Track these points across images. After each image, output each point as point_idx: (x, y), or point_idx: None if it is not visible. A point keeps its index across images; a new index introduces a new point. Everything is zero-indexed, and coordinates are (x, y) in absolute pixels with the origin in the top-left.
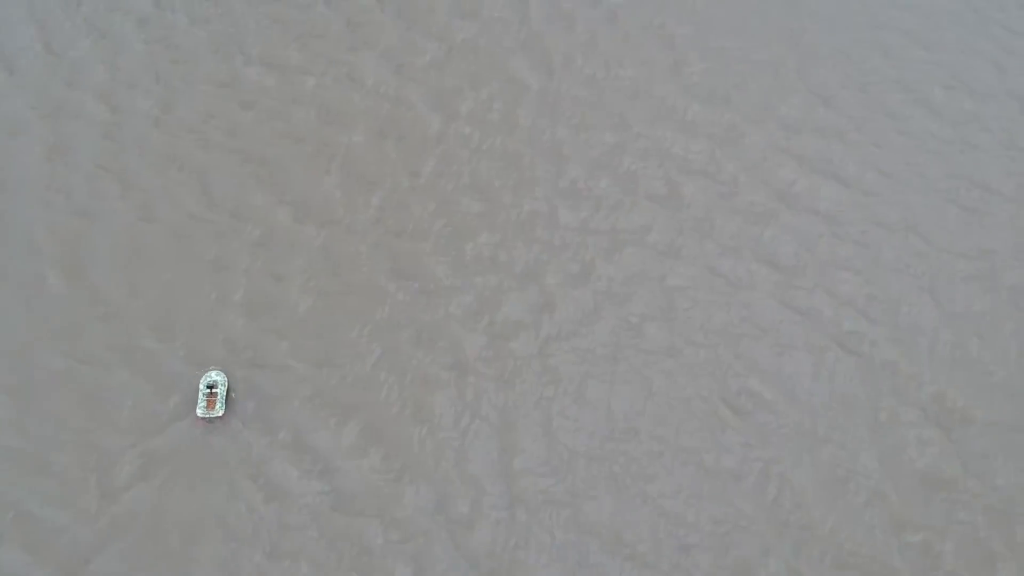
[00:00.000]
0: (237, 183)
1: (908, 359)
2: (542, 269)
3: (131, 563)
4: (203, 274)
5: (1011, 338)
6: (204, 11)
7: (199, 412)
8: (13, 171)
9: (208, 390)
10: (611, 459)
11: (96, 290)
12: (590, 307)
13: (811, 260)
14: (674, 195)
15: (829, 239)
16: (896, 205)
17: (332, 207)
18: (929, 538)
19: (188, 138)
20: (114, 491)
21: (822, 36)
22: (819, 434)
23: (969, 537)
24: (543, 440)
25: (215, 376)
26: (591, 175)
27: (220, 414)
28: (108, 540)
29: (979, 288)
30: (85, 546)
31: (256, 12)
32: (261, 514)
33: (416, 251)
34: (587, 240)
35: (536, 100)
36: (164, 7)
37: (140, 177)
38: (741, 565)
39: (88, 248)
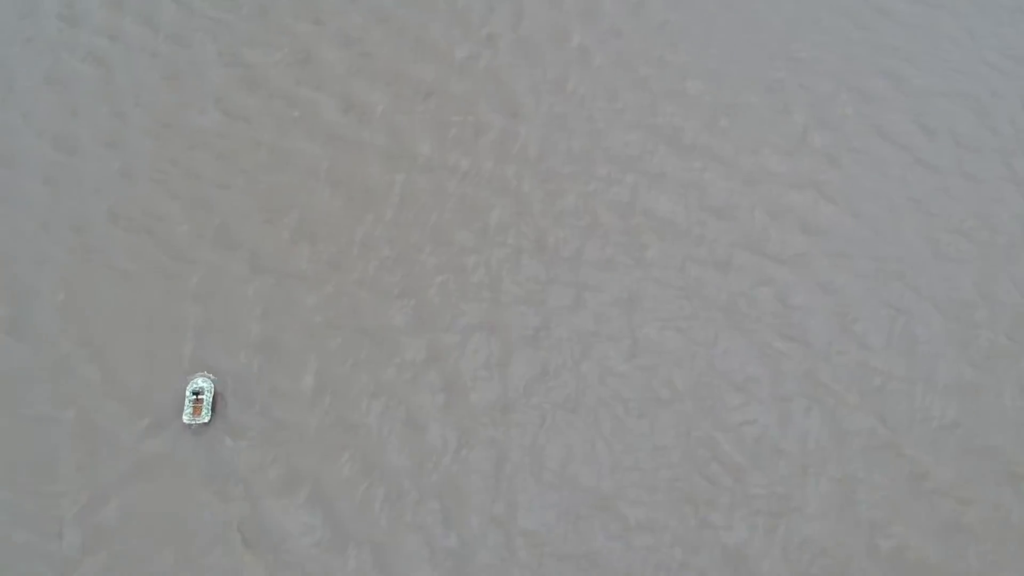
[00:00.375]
0: (192, 231)
1: (884, 422)
2: (504, 322)
3: None
4: (155, 325)
5: (987, 395)
6: (164, 53)
7: (185, 419)
8: None
9: (194, 396)
10: (572, 532)
11: (45, 343)
12: (553, 363)
13: (784, 311)
14: (642, 244)
15: (803, 288)
16: (874, 254)
17: (288, 255)
18: None
19: (143, 184)
20: (62, 558)
21: (798, 80)
22: (791, 504)
23: None
24: (501, 511)
25: (201, 382)
26: (556, 223)
27: (206, 420)
28: None
29: (956, 342)
30: None
31: (216, 56)
32: None
33: (374, 302)
34: (551, 291)
35: (501, 145)
36: (126, 46)
37: (94, 225)
38: None
39: (37, 300)
